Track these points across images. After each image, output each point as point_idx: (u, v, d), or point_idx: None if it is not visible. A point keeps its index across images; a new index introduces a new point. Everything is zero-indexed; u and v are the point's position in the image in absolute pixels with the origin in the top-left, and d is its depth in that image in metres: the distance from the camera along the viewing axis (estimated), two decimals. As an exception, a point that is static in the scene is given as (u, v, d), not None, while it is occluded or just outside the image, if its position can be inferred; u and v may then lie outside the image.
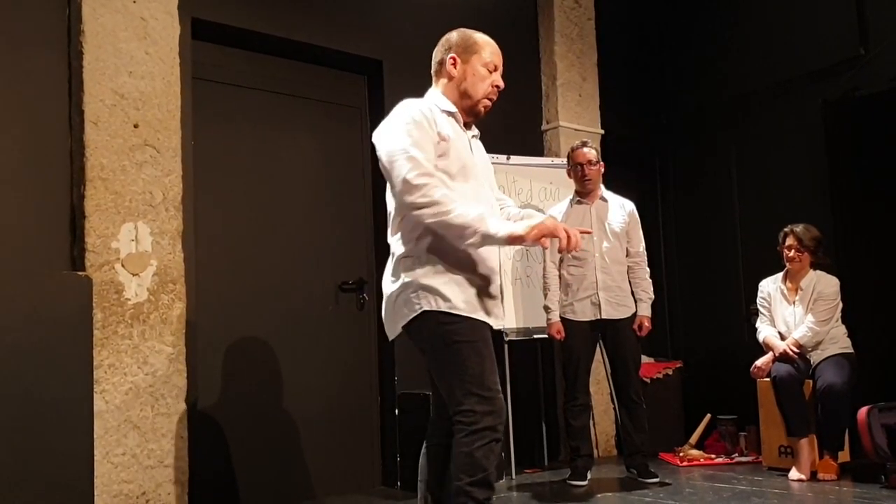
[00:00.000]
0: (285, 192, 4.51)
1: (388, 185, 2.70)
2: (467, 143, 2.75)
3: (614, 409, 5.41)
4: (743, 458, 5.08)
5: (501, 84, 2.77)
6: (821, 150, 5.18)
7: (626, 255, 4.64)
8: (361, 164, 4.83)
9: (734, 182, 5.78)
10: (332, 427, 4.52)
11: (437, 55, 2.86)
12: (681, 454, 5.18)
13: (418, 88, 4.92)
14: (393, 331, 2.72)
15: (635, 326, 4.60)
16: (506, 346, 4.94)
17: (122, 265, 3.52)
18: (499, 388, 2.57)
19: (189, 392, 3.68)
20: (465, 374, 2.53)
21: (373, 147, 4.97)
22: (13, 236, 3.35)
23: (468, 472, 2.49)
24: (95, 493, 3.20)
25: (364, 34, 4.77)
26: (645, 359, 5.70)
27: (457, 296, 2.58)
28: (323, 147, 4.70)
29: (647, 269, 4.70)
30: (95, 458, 3.21)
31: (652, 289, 4.71)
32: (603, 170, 4.60)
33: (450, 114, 2.73)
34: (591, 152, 4.54)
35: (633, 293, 4.64)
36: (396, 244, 2.71)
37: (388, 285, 2.71)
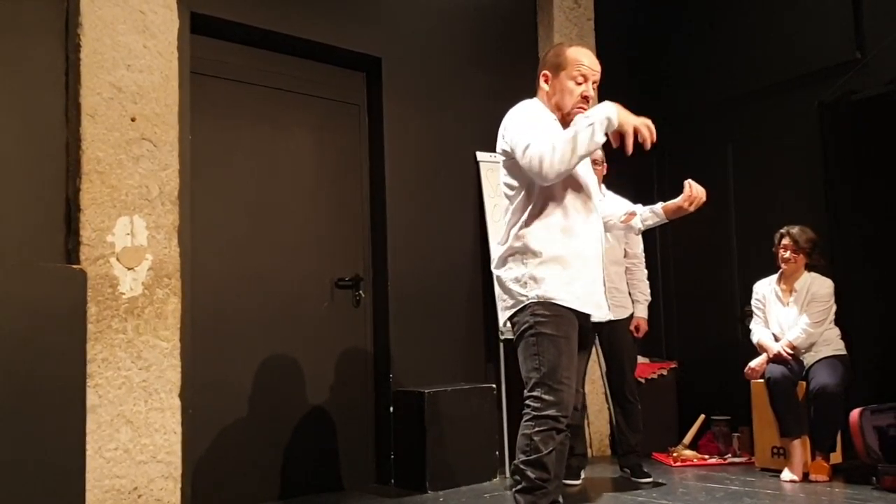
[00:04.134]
0: (282, 188, 4.50)
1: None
2: None
3: (609, 408, 5.43)
4: (736, 459, 5.09)
5: (590, 94, 2.93)
6: (817, 152, 5.19)
7: (625, 256, 4.65)
8: (359, 161, 4.83)
9: (730, 183, 5.79)
10: (326, 424, 4.52)
11: (538, 69, 3.05)
12: (674, 454, 5.19)
13: (416, 84, 4.98)
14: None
15: (632, 328, 4.61)
16: (501, 344, 4.96)
17: (118, 259, 3.51)
18: (570, 383, 2.75)
19: (183, 387, 3.68)
20: (540, 365, 2.75)
21: (371, 143, 5.03)
22: (8, 228, 3.34)
23: (525, 451, 2.71)
24: (87, 488, 3.20)
25: (364, 31, 4.76)
26: (640, 359, 5.70)
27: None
28: (321, 143, 4.69)
29: (645, 271, 4.72)
30: (87, 452, 3.20)
31: (649, 290, 4.72)
32: (605, 171, 4.60)
33: (554, 120, 2.93)
34: (597, 152, 4.52)
35: (630, 294, 4.65)
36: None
37: None
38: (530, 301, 2.79)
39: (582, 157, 2.73)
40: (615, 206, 4.58)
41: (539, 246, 2.80)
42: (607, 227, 3.26)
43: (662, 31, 6.27)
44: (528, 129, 2.78)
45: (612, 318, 4.46)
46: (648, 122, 2.77)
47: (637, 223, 3.27)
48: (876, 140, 4.92)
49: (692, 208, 3.08)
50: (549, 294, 2.77)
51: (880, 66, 4.94)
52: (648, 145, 2.74)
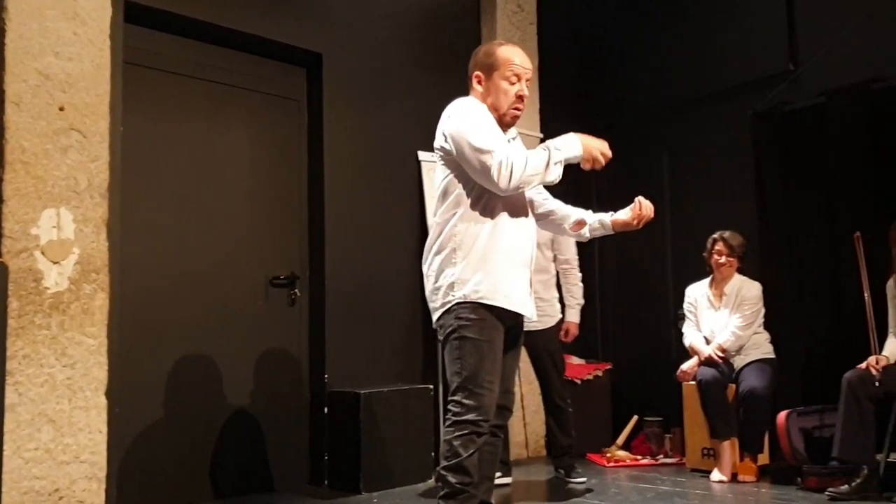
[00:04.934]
0: (217, 183, 4.42)
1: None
2: None
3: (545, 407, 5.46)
4: (668, 460, 5.17)
5: (525, 92, 2.90)
6: (749, 161, 5.30)
7: (555, 262, 4.65)
8: (298, 158, 4.77)
9: (665, 188, 5.88)
10: (258, 424, 4.44)
11: (469, 70, 3.00)
12: (608, 455, 5.25)
13: (358, 82, 4.94)
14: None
15: (561, 333, 4.62)
16: (439, 344, 4.93)
17: (42, 252, 3.39)
18: (492, 387, 2.74)
19: (110, 385, 3.57)
20: (462, 368, 2.75)
21: (310, 140, 4.96)
22: (-75, 219, 3.20)
23: (447, 457, 2.69)
24: (3, 490, 3.08)
25: (305, 26, 4.71)
26: (575, 360, 5.77)
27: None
28: (259, 139, 4.62)
29: (579, 275, 4.74)
30: (5, 452, 3.09)
31: (581, 293, 4.74)
32: None
33: None
34: None
35: (561, 299, 4.65)
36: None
37: None
38: (455, 303, 2.77)
39: (540, 183, 2.81)
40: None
41: (468, 247, 2.78)
42: (551, 226, 3.23)
43: (603, 39, 6.35)
44: (485, 132, 2.74)
45: (537, 328, 4.36)
46: (605, 148, 2.88)
47: (585, 233, 3.20)
48: (806, 149, 5.05)
49: (639, 226, 3.07)
50: (475, 296, 2.75)
51: (812, 78, 5.07)
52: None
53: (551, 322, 4.57)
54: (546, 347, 4.55)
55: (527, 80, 2.91)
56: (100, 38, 3.64)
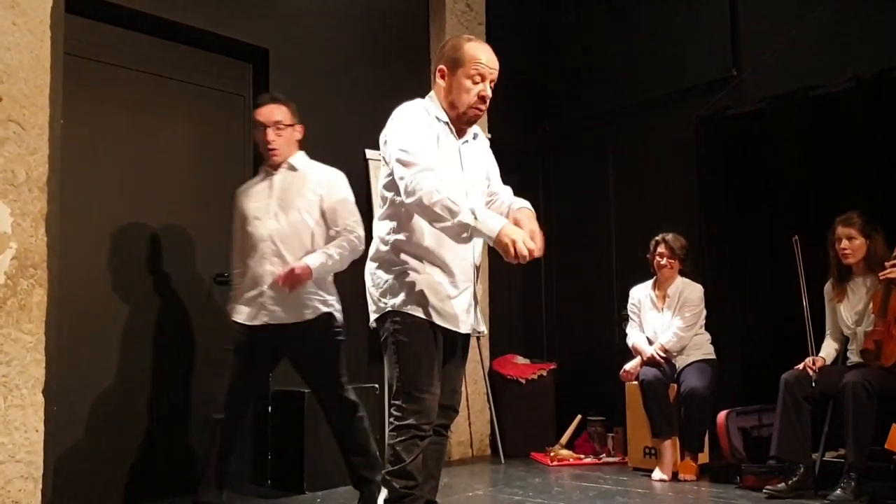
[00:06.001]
0: (160, 177, 4.34)
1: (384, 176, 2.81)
2: (455, 152, 2.82)
3: (490, 408, 5.49)
4: (610, 459, 5.24)
5: (487, 94, 2.80)
6: (692, 164, 5.41)
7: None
8: (243, 153, 4.71)
9: (610, 191, 5.97)
10: (200, 423, 4.37)
11: (434, 62, 2.90)
12: (551, 454, 5.29)
13: (305, 78, 4.90)
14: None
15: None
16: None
17: (-23, 247, 3.29)
18: (432, 389, 2.69)
19: (47, 383, 3.48)
20: (399, 373, 2.70)
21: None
22: None
23: (391, 462, 2.66)
24: (-64, 490, 2.99)
25: (252, 21, 4.65)
26: (520, 360, 5.81)
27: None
28: (202, 134, 4.55)
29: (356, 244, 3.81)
30: (-63, 452, 2.99)
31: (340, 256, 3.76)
32: None
33: (443, 122, 2.81)
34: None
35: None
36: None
37: None
38: (389, 309, 2.72)
39: (441, 230, 2.58)
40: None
41: (403, 255, 2.73)
42: None
43: (551, 41, 6.40)
44: (412, 143, 2.64)
45: (287, 322, 3.65)
46: (531, 244, 2.50)
47: None
48: (747, 154, 5.17)
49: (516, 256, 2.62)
50: (406, 307, 2.69)
51: (754, 83, 5.20)
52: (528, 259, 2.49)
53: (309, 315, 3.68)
54: (314, 343, 3.73)
55: (491, 81, 2.82)
56: (39, 29, 3.54)
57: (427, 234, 2.72)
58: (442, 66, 2.84)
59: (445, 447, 3.01)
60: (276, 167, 3.75)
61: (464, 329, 2.83)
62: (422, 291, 2.71)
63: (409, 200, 2.60)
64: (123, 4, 4.08)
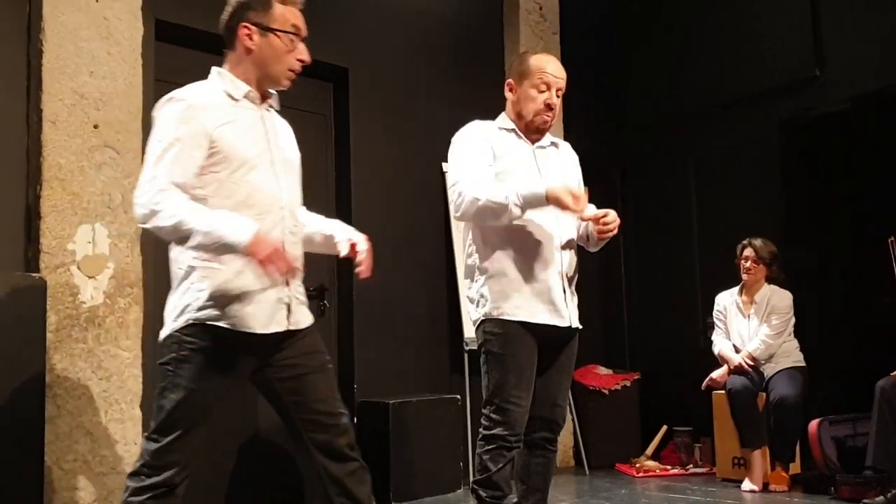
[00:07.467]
0: (247, 197, 4.47)
1: None
2: (529, 156, 2.92)
3: (573, 419, 5.45)
4: (698, 470, 5.14)
5: (553, 102, 2.90)
6: (776, 167, 5.29)
7: None
8: (326, 171, 4.82)
9: (692, 195, 5.87)
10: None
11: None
12: (637, 465, 5.23)
13: (384, 96, 4.98)
14: None
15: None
16: (465, 354, 4.95)
17: (78, 267, 3.46)
18: (520, 402, 2.74)
19: (144, 398, 3.62)
20: (489, 383, 2.80)
21: (337, 154, 5.01)
22: (-34, 236, 3.28)
23: (479, 471, 2.75)
24: (44, 501, 3.14)
25: (331, 41, 4.75)
26: (602, 370, 5.75)
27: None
28: (286, 153, 4.67)
29: None
30: (45, 463, 3.15)
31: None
32: None
33: (508, 130, 2.94)
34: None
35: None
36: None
37: None
38: (481, 319, 2.83)
39: (497, 219, 2.74)
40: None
41: (484, 262, 2.83)
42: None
43: (627, 46, 6.35)
44: (460, 164, 2.82)
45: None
46: (575, 191, 2.68)
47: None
48: (833, 156, 5.03)
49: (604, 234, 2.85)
50: (495, 312, 2.79)
51: (838, 83, 5.05)
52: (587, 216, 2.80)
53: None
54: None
55: (558, 90, 2.91)
56: (132, 57, 3.72)
57: (500, 237, 2.80)
58: (510, 80, 2.97)
59: (552, 462, 2.98)
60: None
61: (561, 321, 2.80)
62: (503, 294, 2.78)
63: (457, 215, 2.80)
64: (207, 30, 4.23)
